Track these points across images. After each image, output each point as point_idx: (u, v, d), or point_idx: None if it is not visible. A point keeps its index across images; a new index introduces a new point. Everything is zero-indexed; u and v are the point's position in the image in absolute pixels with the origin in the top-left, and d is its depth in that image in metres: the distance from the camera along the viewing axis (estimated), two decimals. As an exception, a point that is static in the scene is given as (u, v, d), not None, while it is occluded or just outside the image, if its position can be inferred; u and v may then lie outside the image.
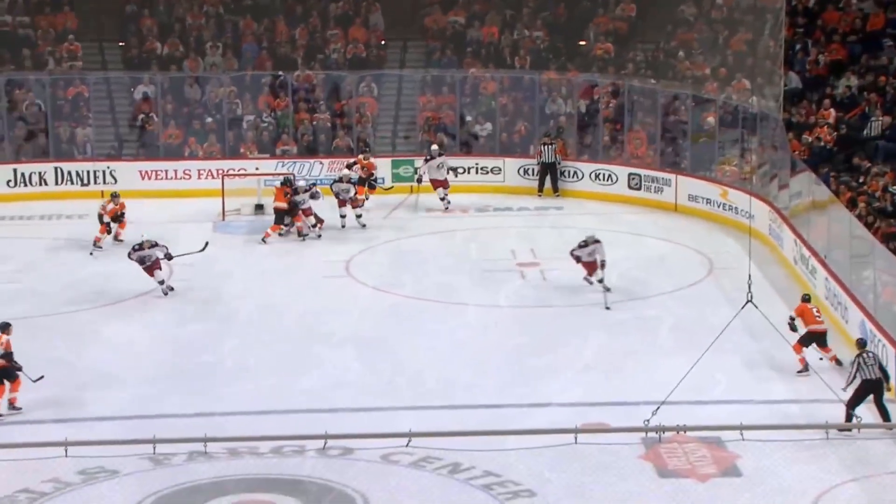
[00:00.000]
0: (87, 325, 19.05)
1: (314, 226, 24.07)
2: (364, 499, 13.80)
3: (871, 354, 15.69)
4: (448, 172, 26.19)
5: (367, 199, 25.55)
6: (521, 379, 17.14)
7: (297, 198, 23.84)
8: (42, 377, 16.21)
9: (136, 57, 29.72)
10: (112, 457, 13.73)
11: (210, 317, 19.58)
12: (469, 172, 27.76)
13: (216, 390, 16.70)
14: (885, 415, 15.38)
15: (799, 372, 17.17)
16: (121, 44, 30.13)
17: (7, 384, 15.92)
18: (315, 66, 29.52)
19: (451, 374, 17.35)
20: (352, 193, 24.62)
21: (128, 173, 27.23)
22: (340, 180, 24.75)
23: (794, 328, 17.32)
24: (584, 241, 20.81)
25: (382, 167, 27.44)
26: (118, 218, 23.39)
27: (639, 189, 26.79)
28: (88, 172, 27.15)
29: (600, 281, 20.53)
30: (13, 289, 20.82)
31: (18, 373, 15.94)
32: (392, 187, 26.79)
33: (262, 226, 24.32)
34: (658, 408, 14.59)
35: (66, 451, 11.74)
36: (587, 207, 26.44)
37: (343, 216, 24.49)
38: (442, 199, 26.02)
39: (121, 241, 23.24)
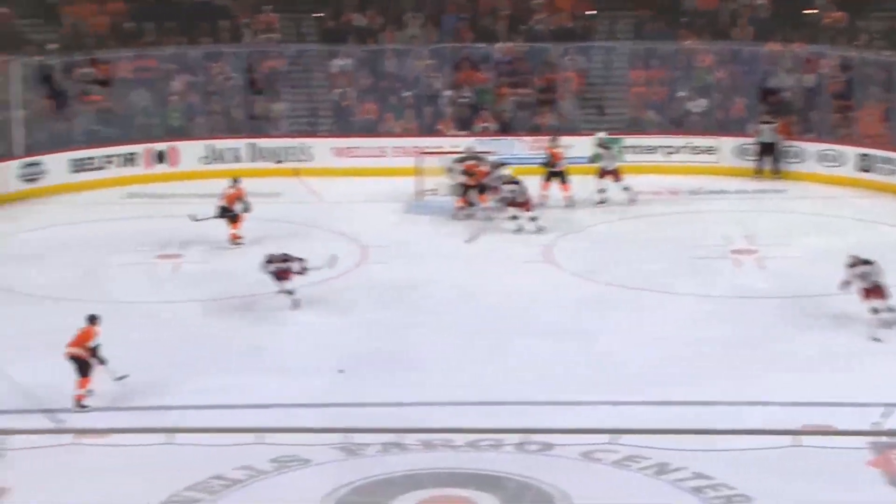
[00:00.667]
0: (279, 309, 19.52)
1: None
2: (564, 497, 13.75)
3: None
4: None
5: (547, 196, 24.74)
6: (735, 374, 16.81)
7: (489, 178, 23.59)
8: (126, 376, 16.21)
9: (333, 29, 30.29)
10: (305, 445, 14.03)
11: (405, 303, 19.82)
12: (680, 152, 27.39)
13: (411, 379, 16.89)
14: None
15: None
16: (318, 15, 30.75)
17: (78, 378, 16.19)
18: (518, 38, 29.54)
19: (657, 368, 17.14)
20: (518, 193, 23.30)
21: (321, 150, 27.82)
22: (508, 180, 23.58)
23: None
24: (851, 261, 18.38)
25: (587, 144, 27.29)
26: (243, 206, 22.55)
27: (869, 171, 25.94)
28: (282, 149, 27.83)
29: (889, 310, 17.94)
30: (204, 269, 21.50)
31: (101, 367, 16.03)
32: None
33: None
34: (888, 410, 14.11)
35: (259, 438, 12.03)
36: (811, 191, 25.77)
37: (515, 218, 23.36)
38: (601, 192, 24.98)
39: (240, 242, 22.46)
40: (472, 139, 27.42)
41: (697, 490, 13.82)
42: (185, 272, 21.27)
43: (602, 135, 25.85)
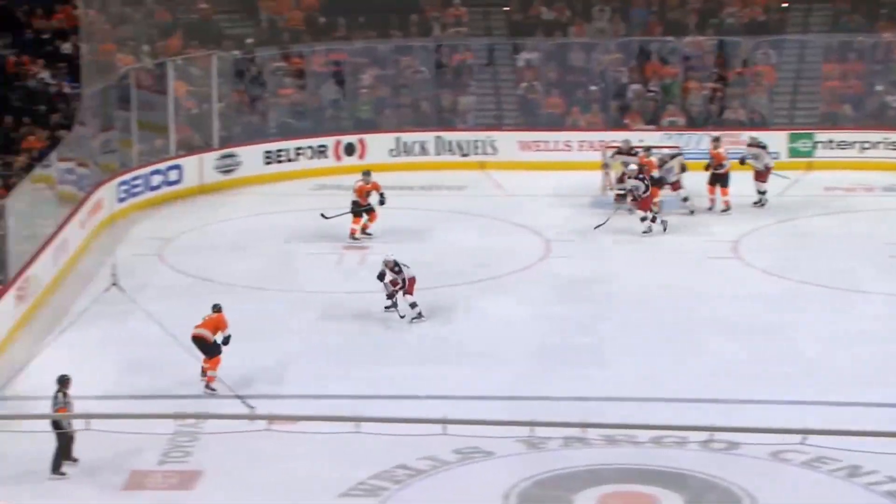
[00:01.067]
0: (464, 299, 19.63)
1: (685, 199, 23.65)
2: (751, 498, 13.51)
3: None
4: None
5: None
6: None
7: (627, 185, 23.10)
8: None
9: (521, 22, 30.30)
10: (487, 437, 14.08)
11: (589, 296, 19.72)
12: (877, 147, 26.59)
13: (594, 373, 16.81)
14: None
15: None
16: (506, 8, 30.79)
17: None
18: (708, 32, 29.07)
19: (851, 368, 16.70)
20: (642, 191, 22.62)
21: (507, 143, 27.84)
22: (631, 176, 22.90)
23: None
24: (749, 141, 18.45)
25: (778, 140, 26.74)
26: (369, 206, 22.28)
27: None
28: (468, 142, 27.97)
29: None
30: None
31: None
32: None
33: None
34: None
35: (444, 428, 12.13)
36: None
37: (643, 219, 22.63)
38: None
39: (368, 234, 22.44)
40: (658, 134, 27.09)
41: (892, 494, 13.42)
42: (371, 263, 21.55)
43: (753, 136, 25.04)
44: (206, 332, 16.39)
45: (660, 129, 27.58)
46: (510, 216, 24.10)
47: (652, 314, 18.92)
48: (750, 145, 24.60)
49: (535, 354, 17.55)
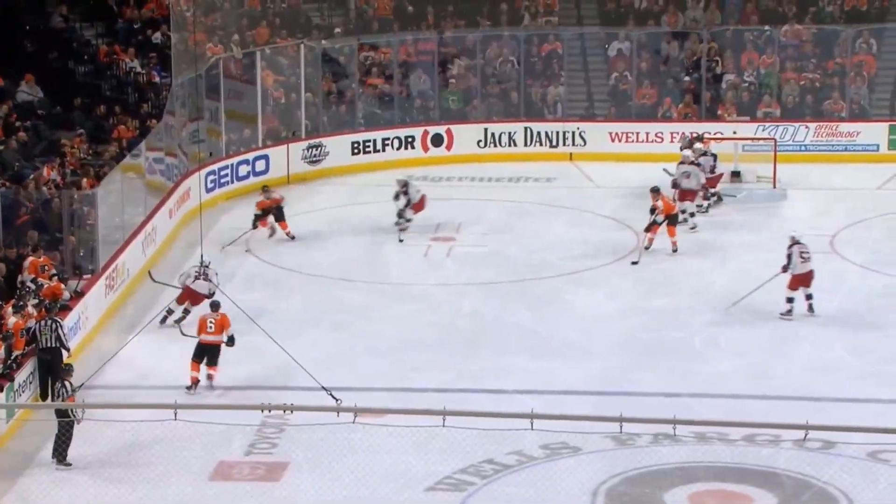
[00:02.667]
0: (552, 292, 19.56)
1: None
2: (848, 499, 13.31)
3: None
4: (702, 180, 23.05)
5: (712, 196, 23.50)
6: None
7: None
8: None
9: (612, 11, 30.09)
10: (576, 433, 14.02)
11: (679, 290, 19.56)
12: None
13: (685, 368, 16.67)
14: None
15: None
16: (598, -3, 30.61)
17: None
18: (806, 21, 28.64)
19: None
20: (701, 180, 22.52)
21: (598, 135, 27.67)
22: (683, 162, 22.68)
23: None
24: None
25: (878, 132, 26.30)
26: (277, 214, 22.03)
27: None
28: (558, 133, 27.84)
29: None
30: (480, 252, 21.74)
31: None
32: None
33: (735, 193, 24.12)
34: None
35: (531, 423, 12.10)
36: None
37: (684, 212, 22.18)
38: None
39: (292, 237, 22.07)
40: (754, 125, 26.77)
41: None
42: (458, 255, 21.58)
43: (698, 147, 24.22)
44: (218, 339, 16.46)
45: (755, 120, 27.25)
46: (600, 208, 23.97)
47: (745, 309, 18.69)
48: (684, 147, 24.11)
49: (625, 349, 17.45)
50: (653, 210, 21.09)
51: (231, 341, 16.56)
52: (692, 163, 23.09)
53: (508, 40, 28.79)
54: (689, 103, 27.94)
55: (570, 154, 27.56)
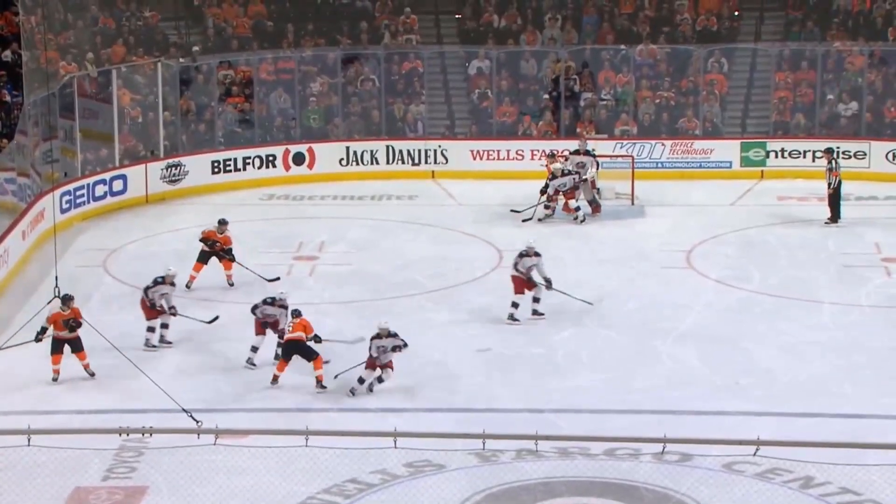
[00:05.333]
0: (416, 310, 19.61)
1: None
2: (704, 510, 13.57)
3: None
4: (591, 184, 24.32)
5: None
6: (886, 386, 16.41)
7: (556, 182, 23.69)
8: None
9: (472, 30, 30.35)
10: (439, 450, 14.07)
11: (544, 308, 19.72)
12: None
13: (548, 384, 16.83)
14: None
15: None
16: (457, 16, 30.84)
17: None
18: (660, 40, 29.25)
19: (804, 378, 16.83)
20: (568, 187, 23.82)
21: (459, 153, 27.86)
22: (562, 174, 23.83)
23: None
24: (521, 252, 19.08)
25: (730, 149, 27.00)
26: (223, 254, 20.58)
27: None
28: (419, 151, 27.97)
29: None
30: (343, 271, 21.70)
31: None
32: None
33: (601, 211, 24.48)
34: None
35: (395, 442, 12.10)
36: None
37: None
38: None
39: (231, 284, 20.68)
40: (612, 142, 27.22)
41: (844, 506, 13.52)
42: (321, 273, 21.51)
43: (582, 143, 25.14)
44: (300, 335, 16.66)
45: (613, 137, 27.70)
46: (462, 226, 24.12)
47: (605, 324, 18.98)
48: (575, 152, 24.67)
49: (489, 365, 17.55)
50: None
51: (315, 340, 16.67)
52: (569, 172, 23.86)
53: (369, 59, 28.85)
54: (549, 121, 28.31)
55: (433, 172, 27.72)
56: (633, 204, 24.99)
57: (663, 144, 27.36)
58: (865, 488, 13.62)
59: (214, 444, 12.19)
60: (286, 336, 16.94)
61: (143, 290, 18.30)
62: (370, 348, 16.61)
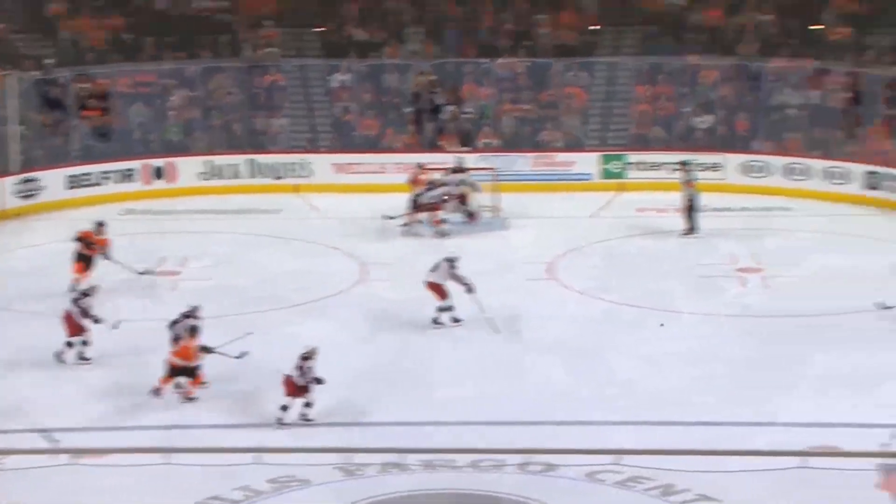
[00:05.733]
0: (281, 324, 19.49)
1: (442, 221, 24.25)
2: (568, 520, 13.72)
3: None
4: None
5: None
6: (743, 395, 16.79)
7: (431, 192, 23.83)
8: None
9: (334, 43, 30.34)
10: (304, 465, 14.01)
11: (408, 320, 19.79)
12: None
13: (415, 397, 16.85)
14: None
15: None
16: (319, 29, 30.79)
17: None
18: (521, 54, 29.59)
19: (664, 387, 17.12)
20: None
21: (322, 166, 27.83)
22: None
23: None
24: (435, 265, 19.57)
25: (590, 161, 27.44)
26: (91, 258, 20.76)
27: (877, 189, 25.94)
28: (282, 165, 27.84)
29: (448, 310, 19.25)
30: (207, 286, 21.48)
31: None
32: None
33: (459, 224, 24.60)
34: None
35: (257, 458, 12.02)
36: (818, 209, 25.78)
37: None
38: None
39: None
40: (474, 155, 27.43)
41: (704, 512, 13.79)
42: (184, 289, 21.26)
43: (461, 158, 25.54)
44: (183, 362, 16.27)
45: (475, 150, 27.92)
46: (326, 239, 24.07)
47: (472, 337, 19.09)
48: (456, 171, 24.94)
49: (355, 380, 17.52)
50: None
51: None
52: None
53: (230, 72, 28.65)
54: (413, 134, 28.42)
55: (296, 185, 27.61)
56: (496, 216, 25.21)
57: (525, 157, 27.66)
58: (724, 494, 13.91)
59: (71, 463, 11.96)
60: (171, 361, 16.62)
61: (73, 301, 17.91)
62: (299, 369, 16.28)
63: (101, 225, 20.67)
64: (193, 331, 16.90)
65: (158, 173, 27.37)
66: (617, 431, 15.25)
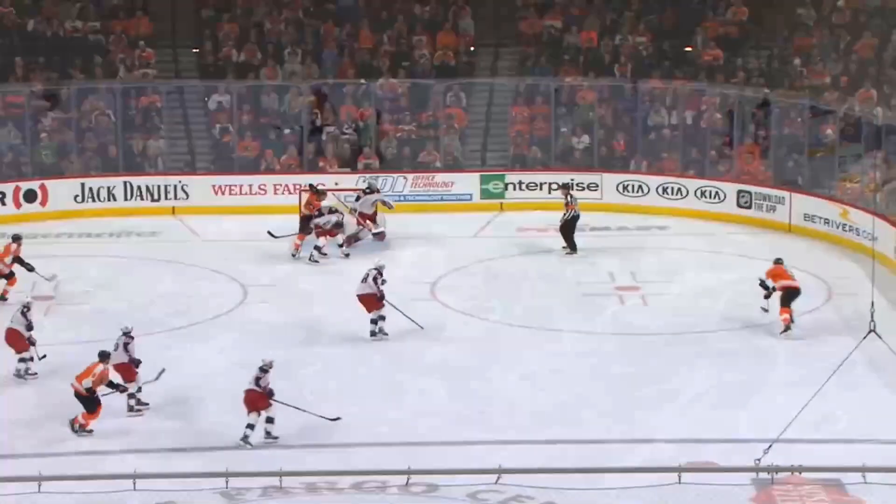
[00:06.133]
0: (160, 349, 19.28)
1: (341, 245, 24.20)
2: (450, 539, 13.81)
3: None
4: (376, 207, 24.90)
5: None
6: (622, 412, 17.06)
7: (322, 219, 23.92)
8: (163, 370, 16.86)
9: (211, 64, 30.16)
10: (183, 490, 13.90)
11: (290, 341, 19.73)
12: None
13: (294, 420, 16.80)
14: None
15: (781, 332, 19.57)
16: (195, 50, 30.60)
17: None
18: (400, 75, 29.72)
19: (545, 406, 17.32)
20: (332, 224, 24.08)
21: (200, 188, 27.61)
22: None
23: (766, 288, 19.89)
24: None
25: (470, 182, 27.65)
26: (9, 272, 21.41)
27: (749, 207, 26.56)
28: (159, 187, 27.59)
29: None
30: (82, 310, 21.19)
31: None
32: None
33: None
34: (770, 446, 14.40)
35: (134, 483, 11.90)
36: (693, 227, 26.30)
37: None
38: (356, 240, 24.58)
39: (5, 299, 21.42)
40: (355, 176, 27.45)
41: (584, 529, 13.98)
42: (57, 314, 20.95)
43: (372, 183, 25.65)
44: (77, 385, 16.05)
45: (356, 171, 27.95)
46: (206, 262, 23.89)
47: (353, 358, 19.12)
48: (367, 192, 25.01)
49: (235, 403, 17.39)
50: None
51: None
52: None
53: (104, 93, 28.32)
54: (292, 155, 28.35)
55: (173, 208, 27.40)
56: (377, 237, 25.22)
57: (405, 178, 27.78)
58: (605, 511, 14.15)
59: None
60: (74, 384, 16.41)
61: (21, 310, 18.12)
62: (256, 381, 16.24)
63: (16, 240, 21.64)
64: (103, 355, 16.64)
65: (30, 196, 26.92)
66: (499, 451, 15.37)
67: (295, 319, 20.77)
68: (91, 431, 16.33)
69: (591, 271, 23.45)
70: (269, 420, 16.26)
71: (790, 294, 19.97)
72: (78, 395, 16.34)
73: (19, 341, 18.18)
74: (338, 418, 16.57)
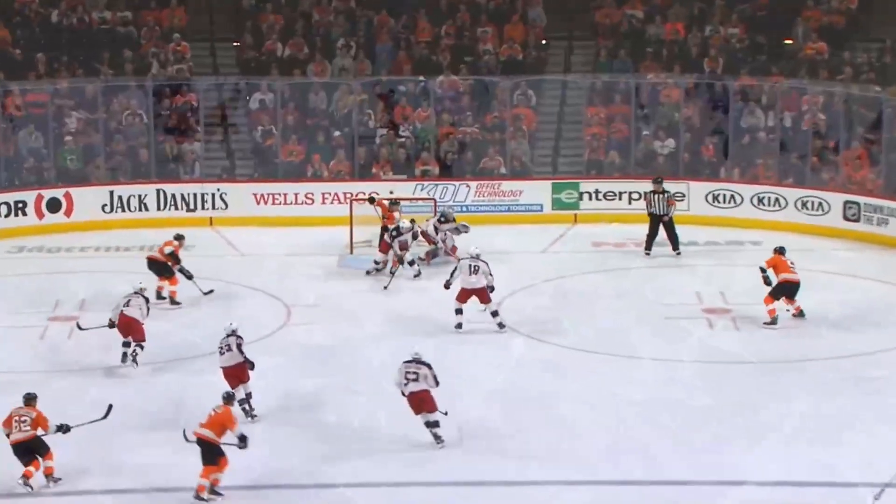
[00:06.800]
0: (191, 374, 19.41)
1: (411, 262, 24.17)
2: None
3: None
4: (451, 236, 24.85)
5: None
6: (710, 449, 16.93)
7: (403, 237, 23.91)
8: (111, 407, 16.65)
9: (252, 59, 30.41)
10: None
11: (335, 368, 19.80)
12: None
13: (351, 451, 16.82)
14: None
15: (766, 324, 20.82)
16: (236, 44, 30.86)
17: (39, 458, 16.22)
18: (462, 71, 29.79)
19: (623, 441, 17.22)
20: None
21: (240, 197, 27.83)
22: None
23: (767, 281, 20.92)
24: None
25: (540, 190, 27.61)
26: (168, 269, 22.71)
27: (857, 220, 26.36)
28: (195, 196, 27.82)
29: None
30: (109, 333, 21.32)
31: None
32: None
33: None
34: (882, 491, 14.26)
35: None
36: (791, 242, 25.97)
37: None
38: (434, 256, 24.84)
39: (178, 303, 22.74)
40: (412, 184, 27.54)
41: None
42: (83, 336, 21.15)
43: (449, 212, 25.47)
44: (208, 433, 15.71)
45: (412, 178, 28.04)
46: (245, 279, 24.04)
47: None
48: (444, 220, 24.94)
49: (275, 433, 17.50)
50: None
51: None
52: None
53: (135, 91, 28.61)
54: (341, 160, 28.48)
55: (210, 219, 27.61)
56: (437, 252, 25.26)
57: (468, 186, 27.82)
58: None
59: None
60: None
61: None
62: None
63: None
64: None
65: (54, 206, 27.25)
66: (572, 492, 15.31)
67: (340, 343, 20.83)
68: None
69: (676, 291, 23.35)
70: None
71: (789, 287, 21.01)
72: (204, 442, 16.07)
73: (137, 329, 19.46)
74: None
